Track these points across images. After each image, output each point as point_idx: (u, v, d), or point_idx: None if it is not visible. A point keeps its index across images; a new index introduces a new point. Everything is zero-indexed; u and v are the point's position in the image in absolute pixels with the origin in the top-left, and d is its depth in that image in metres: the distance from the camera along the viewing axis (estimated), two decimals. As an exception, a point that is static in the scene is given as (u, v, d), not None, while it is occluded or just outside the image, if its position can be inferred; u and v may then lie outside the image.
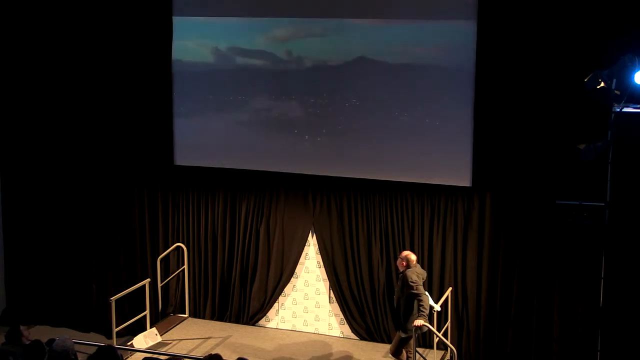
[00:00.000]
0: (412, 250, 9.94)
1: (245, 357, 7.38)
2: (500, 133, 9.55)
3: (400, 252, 9.34)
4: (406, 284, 8.93)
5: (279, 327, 10.99)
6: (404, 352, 9.25)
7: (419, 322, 8.81)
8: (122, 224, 11.30)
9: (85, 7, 10.94)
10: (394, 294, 9.37)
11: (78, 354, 7.62)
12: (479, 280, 9.92)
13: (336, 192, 10.45)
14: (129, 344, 10.25)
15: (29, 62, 11.31)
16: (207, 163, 10.88)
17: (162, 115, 10.90)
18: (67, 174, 11.41)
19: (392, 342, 9.42)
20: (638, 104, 8.13)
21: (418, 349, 9.14)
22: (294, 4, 10.23)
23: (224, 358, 7.08)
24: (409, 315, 8.94)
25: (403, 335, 9.06)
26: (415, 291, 8.87)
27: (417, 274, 8.97)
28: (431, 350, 9.66)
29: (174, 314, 11.28)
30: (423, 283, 9.14)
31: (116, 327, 10.04)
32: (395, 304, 9.21)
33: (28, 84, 11.38)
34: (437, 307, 9.30)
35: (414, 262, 9.08)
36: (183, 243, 11.13)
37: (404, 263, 9.04)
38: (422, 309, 8.85)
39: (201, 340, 10.58)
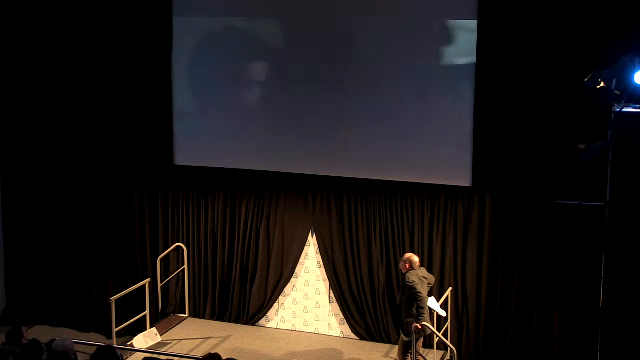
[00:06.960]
0: (412, 250, 9.95)
1: (245, 357, 7.37)
2: (500, 133, 9.55)
3: (404, 255, 9.31)
4: (405, 285, 8.91)
5: (279, 327, 10.99)
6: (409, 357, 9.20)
7: (418, 324, 8.77)
8: (122, 224, 11.30)
9: (86, 8, 10.93)
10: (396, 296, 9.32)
11: (78, 354, 7.63)
12: (479, 280, 9.92)
13: (336, 192, 10.44)
14: (129, 344, 10.25)
15: (30, 63, 11.29)
16: (207, 163, 10.88)
17: (162, 115, 10.90)
18: (67, 174, 11.41)
19: (398, 347, 9.37)
20: (638, 104, 8.12)
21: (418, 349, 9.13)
22: (294, 3, 10.23)
23: (223, 358, 7.09)
24: (407, 318, 8.88)
25: (405, 339, 9.01)
26: (412, 292, 8.77)
27: (418, 276, 8.90)
28: (431, 350, 9.66)
29: (174, 314, 11.28)
30: (431, 288, 9.11)
31: (116, 327, 10.05)
32: (398, 307, 9.14)
33: (28, 84, 11.36)
34: (442, 313, 9.17)
35: (417, 264, 9.02)
36: (183, 243, 11.13)
37: (407, 265, 8.98)
38: (421, 310, 8.75)
39: (201, 340, 10.58)
